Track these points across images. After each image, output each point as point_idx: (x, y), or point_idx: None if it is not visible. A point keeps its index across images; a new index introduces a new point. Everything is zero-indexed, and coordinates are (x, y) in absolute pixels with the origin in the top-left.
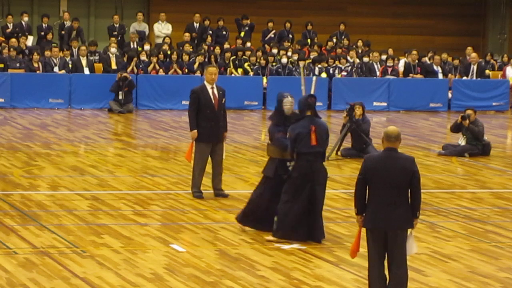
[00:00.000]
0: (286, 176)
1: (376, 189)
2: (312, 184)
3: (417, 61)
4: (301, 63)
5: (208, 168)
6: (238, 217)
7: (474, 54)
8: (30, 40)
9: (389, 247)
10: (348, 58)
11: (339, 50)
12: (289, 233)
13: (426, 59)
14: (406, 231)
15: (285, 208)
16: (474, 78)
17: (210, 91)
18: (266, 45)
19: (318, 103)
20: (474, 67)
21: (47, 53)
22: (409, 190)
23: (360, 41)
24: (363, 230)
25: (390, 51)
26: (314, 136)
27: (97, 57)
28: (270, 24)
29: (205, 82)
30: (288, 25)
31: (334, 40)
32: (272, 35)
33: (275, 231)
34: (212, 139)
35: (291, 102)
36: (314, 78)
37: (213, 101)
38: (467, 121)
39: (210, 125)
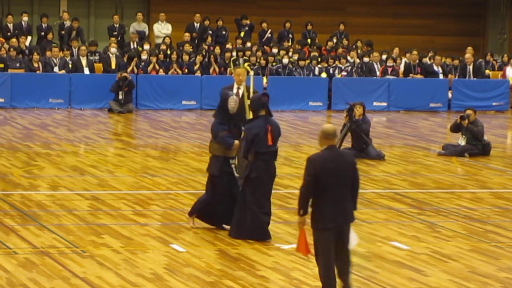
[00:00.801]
0: (243, 176)
1: (328, 187)
2: (269, 183)
3: (417, 61)
4: (241, 60)
5: None
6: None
7: (468, 55)
8: (28, 40)
9: (341, 241)
10: (348, 58)
11: (339, 50)
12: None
13: (427, 59)
14: None
15: (257, 213)
16: (472, 78)
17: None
18: (265, 46)
19: (318, 103)
20: (470, 68)
21: (47, 53)
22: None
23: (359, 41)
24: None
25: (396, 51)
26: (271, 136)
27: (97, 57)
28: (264, 25)
29: (235, 82)
30: (288, 25)
31: (334, 40)
32: (269, 35)
33: (255, 235)
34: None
35: (236, 100)
36: (252, 73)
37: None
38: (466, 121)
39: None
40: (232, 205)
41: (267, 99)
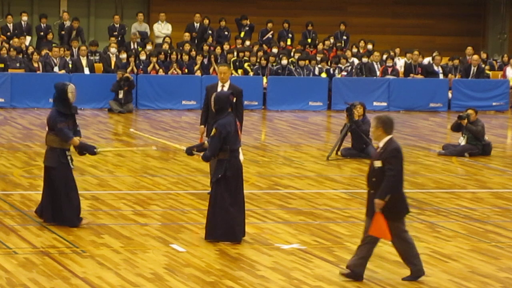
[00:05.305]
0: (216, 177)
1: None
2: (241, 179)
3: (418, 60)
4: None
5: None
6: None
7: (476, 57)
8: (27, 40)
9: None
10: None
11: (339, 50)
12: (237, 237)
13: (430, 59)
14: None
15: (232, 214)
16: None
17: (219, 89)
18: (264, 45)
19: (318, 103)
20: (474, 69)
21: (48, 53)
22: None
23: (362, 41)
24: None
25: (397, 51)
26: (240, 132)
27: (97, 57)
28: (270, 25)
29: (219, 81)
30: (286, 25)
31: (332, 40)
32: (270, 36)
33: (228, 238)
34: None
35: (74, 88)
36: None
37: None
38: (466, 121)
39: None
40: (76, 199)
41: (233, 98)
